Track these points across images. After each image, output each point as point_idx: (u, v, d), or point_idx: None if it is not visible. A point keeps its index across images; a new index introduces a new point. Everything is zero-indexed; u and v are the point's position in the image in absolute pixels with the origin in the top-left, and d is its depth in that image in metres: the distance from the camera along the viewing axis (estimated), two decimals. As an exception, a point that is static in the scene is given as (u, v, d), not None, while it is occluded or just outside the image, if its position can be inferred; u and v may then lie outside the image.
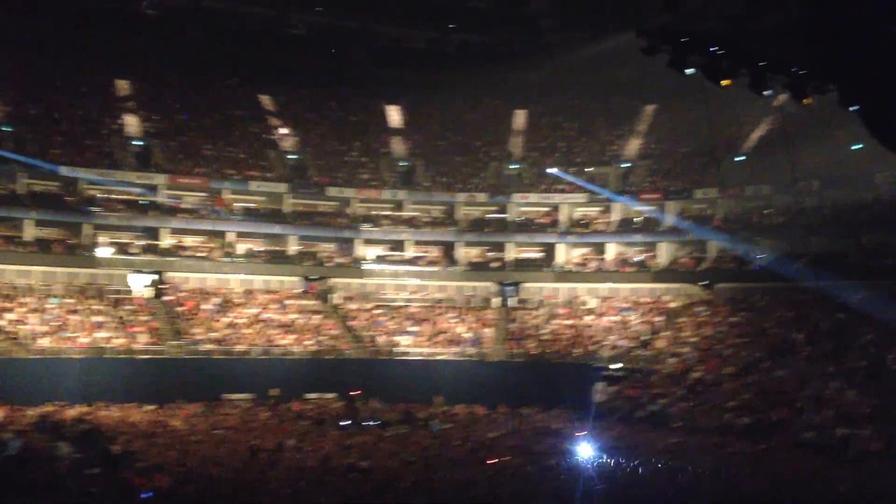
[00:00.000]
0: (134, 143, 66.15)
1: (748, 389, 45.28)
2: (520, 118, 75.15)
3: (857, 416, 38.95)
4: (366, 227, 65.75)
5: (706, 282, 60.46)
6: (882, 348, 44.06)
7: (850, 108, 18.61)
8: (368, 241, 66.12)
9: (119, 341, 51.42)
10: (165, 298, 57.25)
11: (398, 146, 73.40)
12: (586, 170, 69.81)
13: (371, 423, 43.06)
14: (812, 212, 55.29)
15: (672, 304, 59.71)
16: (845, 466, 32.02)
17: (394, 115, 75.49)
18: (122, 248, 59.48)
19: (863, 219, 53.90)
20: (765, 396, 43.51)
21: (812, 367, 45.25)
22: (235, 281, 60.68)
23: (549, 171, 69.39)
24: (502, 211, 68.50)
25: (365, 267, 64.20)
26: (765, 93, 20.89)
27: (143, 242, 60.45)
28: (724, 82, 20.64)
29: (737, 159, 63.47)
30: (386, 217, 67.01)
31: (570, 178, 68.31)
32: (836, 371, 43.83)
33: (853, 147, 54.06)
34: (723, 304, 57.87)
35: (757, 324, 53.61)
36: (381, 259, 65.45)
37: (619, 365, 53.73)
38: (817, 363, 45.44)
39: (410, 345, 56.75)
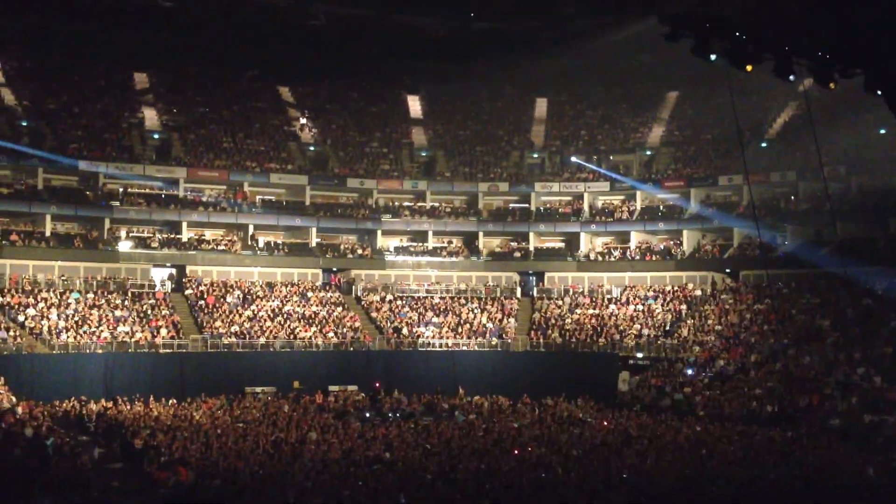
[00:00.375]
0: (153, 136, 66.45)
1: (774, 377, 45.30)
2: (542, 107, 75.07)
3: (884, 402, 38.94)
4: (387, 218, 65.80)
5: (731, 269, 60.30)
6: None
7: (876, 93, 18.54)
8: (390, 232, 66.26)
9: (140, 336, 51.64)
10: (186, 292, 57.44)
11: (419, 136, 73.46)
12: (609, 158, 69.73)
13: (394, 414, 43.21)
14: (838, 197, 54.94)
15: (696, 292, 59.55)
16: (873, 453, 31.93)
17: (414, 105, 75.54)
18: (142, 243, 59.72)
19: (890, 204, 53.54)
20: (791, 384, 43.49)
21: (838, 353, 45.20)
22: (257, 274, 60.85)
23: (571, 159, 69.36)
24: (524, 200, 68.45)
25: (387, 258, 64.29)
26: (789, 78, 20.82)
27: (163, 236, 60.67)
28: (747, 67, 20.57)
29: (762, 145, 63.31)
30: (407, 208, 67.09)
31: (592, 167, 68.26)
32: (862, 357, 43.79)
33: (880, 131, 53.92)
34: (748, 291, 57.67)
35: (782, 311, 53.47)
36: (402, 250, 65.53)
37: (643, 354, 53.76)
38: (844, 350, 45.37)
39: (433, 336, 56.83)
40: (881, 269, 49.43)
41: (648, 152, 70.35)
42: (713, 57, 20.71)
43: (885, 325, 46.45)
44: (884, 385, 40.64)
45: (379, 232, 65.49)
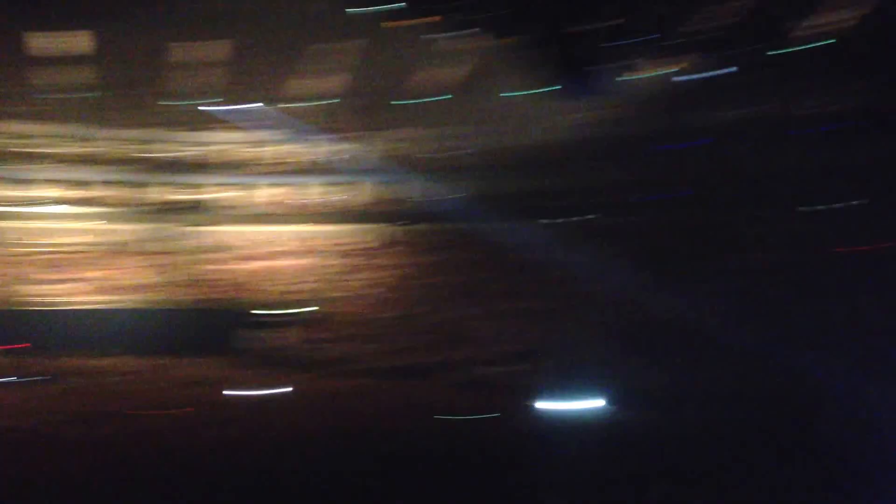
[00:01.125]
0: None
1: (432, 329, 47.10)
2: (190, 51, 72.86)
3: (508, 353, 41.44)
4: (15, 166, 62.91)
5: (402, 222, 62.14)
6: (563, 287, 47.25)
7: (537, 51, 18.96)
8: (19, 182, 63.34)
9: None
10: None
11: (55, 77, 70.02)
12: (278, 106, 68.70)
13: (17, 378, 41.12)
14: (501, 153, 57.23)
15: (360, 245, 61.12)
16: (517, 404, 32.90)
17: (48, 44, 71.83)
18: None
19: (547, 160, 56.29)
20: (448, 335, 45.62)
21: (497, 306, 47.45)
22: None
23: (225, 108, 67.96)
24: (174, 149, 67.16)
25: (14, 209, 61.84)
26: (454, 33, 20.98)
27: None
28: (414, 21, 20.58)
29: (433, 100, 64.19)
30: (42, 154, 64.30)
31: (263, 117, 67.19)
32: (516, 309, 46.52)
33: (543, 90, 55.85)
34: (414, 244, 59.81)
35: (448, 265, 55.74)
36: (33, 201, 62.97)
37: (304, 308, 53.66)
38: (502, 302, 47.75)
39: (63, 293, 54.53)
40: (539, 222, 52.20)
41: (321, 102, 69.81)
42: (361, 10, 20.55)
43: (540, 277, 49.53)
44: (534, 335, 42.93)
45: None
